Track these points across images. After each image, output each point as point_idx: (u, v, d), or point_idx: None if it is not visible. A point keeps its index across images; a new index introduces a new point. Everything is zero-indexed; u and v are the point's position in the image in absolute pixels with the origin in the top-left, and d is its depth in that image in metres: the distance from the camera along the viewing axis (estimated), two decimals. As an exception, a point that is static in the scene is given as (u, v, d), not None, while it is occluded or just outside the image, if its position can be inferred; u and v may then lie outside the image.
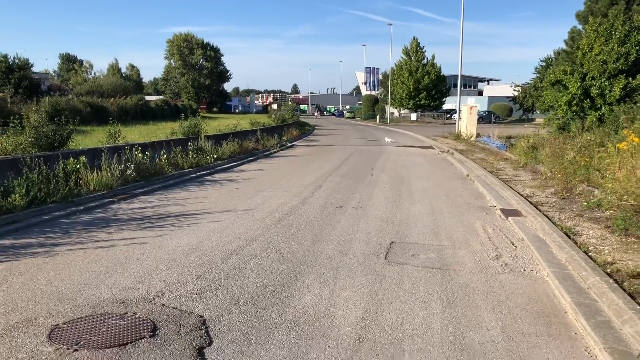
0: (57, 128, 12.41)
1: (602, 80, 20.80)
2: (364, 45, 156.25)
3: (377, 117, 70.27)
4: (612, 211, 8.75)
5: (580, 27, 38.31)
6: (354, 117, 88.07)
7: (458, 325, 4.81)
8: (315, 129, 47.67)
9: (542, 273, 6.40)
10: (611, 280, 5.58)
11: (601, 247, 7.09)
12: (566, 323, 4.93)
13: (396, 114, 78.30)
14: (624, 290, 5.33)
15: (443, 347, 4.38)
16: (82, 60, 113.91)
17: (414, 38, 68.83)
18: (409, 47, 67.86)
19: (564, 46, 39.41)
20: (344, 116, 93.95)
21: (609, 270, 6.04)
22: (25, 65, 47.20)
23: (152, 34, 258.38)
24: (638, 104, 18.66)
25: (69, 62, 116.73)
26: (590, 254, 6.76)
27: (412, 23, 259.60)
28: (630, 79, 20.50)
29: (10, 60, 45.90)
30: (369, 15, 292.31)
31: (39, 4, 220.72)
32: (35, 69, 56.79)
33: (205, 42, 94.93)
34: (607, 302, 5.13)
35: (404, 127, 53.20)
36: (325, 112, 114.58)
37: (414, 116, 70.72)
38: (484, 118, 61.99)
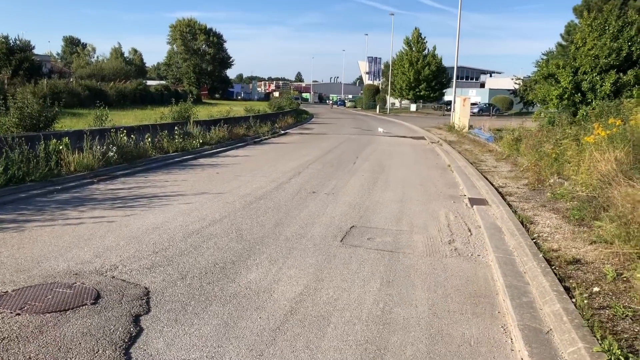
0: (42, 109, 12.66)
1: (594, 75, 20.93)
2: (367, 34, 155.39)
3: (377, 107, 70.37)
4: (572, 202, 8.98)
5: (577, 21, 38.27)
6: (355, 107, 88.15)
7: (389, 302, 5.07)
8: (314, 117, 47.88)
9: (488, 258, 6.66)
10: (544, 265, 5.83)
11: (552, 236, 7.33)
12: (493, 303, 5.19)
13: (397, 104, 78.33)
14: (555, 274, 5.58)
15: (368, 321, 4.64)
16: (86, 44, 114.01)
17: (415, 29, 68.82)
18: (410, 38, 67.76)
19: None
20: (345, 105, 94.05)
21: (550, 257, 6.29)
22: (26, 47, 47.40)
23: (158, 18, 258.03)
24: (628, 100, 18.81)
25: (73, 45, 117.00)
26: (538, 241, 7.01)
27: (418, 13, 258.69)
28: (621, 74, 20.63)
29: (11, 42, 46.09)
30: (374, 4, 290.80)
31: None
32: (38, 51, 56.98)
33: (208, 28, 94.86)
34: (536, 285, 5.39)
35: (402, 117, 53.34)
36: (327, 101, 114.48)
37: (413, 107, 70.76)
38: (483, 110, 62.05)
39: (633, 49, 20.76)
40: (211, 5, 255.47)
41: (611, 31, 21.17)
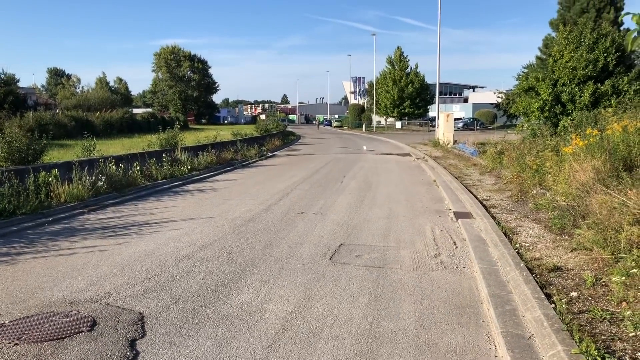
0: (31, 142, 12.79)
1: (572, 86, 21.43)
2: (349, 55, 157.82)
3: (364, 125, 70.99)
4: (553, 212, 9.23)
5: (554, 34, 39.12)
6: (341, 127, 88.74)
7: (377, 316, 5.24)
8: (300, 138, 48.22)
9: (473, 269, 6.86)
10: (526, 274, 6.03)
11: (535, 245, 7.55)
12: (478, 313, 5.37)
13: (382, 122, 79.06)
14: (536, 282, 5.78)
15: (358, 335, 4.80)
16: (70, 75, 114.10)
17: (397, 48, 69.83)
18: (392, 57, 68.71)
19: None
20: (331, 125, 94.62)
21: (532, 265, 6.49)
22: (11, 81, 47.58)
23: (142, 46, 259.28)
24: (606, 109, 19.25)
25: (57, 76, 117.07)
26: (520, 251, 7.22)
27: (400, 32, 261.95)
28: (599, 84, 21.15)
29: (-5, 75, 46.22)
30: (357, 25, 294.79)
31: (26, 19, 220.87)
32: (22, 84, 57.20)
33: (192, 55, 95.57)
34: (519, 293, 5.59)
35: (388, 135, 53.85)
36: (313, 122, 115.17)
37: (399, 124, 71.43)
38: (468, 125, 62.84)
39: (609, 59, 21.31)
40: (194, 32, 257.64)
41: (587, 43, 21.74)
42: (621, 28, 35.68)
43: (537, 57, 39.59)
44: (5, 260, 7.36)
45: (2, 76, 46.61)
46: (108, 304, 5.52)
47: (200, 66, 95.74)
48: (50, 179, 11.57)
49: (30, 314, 5.25)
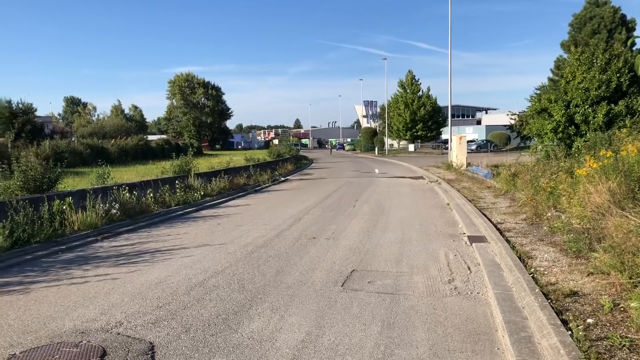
0: (46, 171, 12.94)
1: (586, 107, 21.31)
2: (361, 79, 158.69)
3: (376, 149, 71.02)
4: (569, 235, 9.09)
5: (565, 55, 39.14)
6: (354, 150, 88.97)
7: (390, 345, 5.15)
8: (313, 162, 48.35)
9: (487, 295, 6.74)
10: (542, 299, 5.92)
11: (550, 269, 7.43)
12: (493, 340, 5.26)
13: (395, 145, 79.06)
14: (552, 308, 5.66)
15: (370, 364, 4.72)
16: (86, 103, 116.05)
17: (409, 71, 70.26)
18: (404, 80, 69.03)
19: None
20: (344, 149, 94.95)
21: (548, 290, 6.38)
22: (28, 110, 48.45)
23: (156, 74, 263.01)
24: (621, 130, 19.08)
25: (73, 104, 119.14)
26: (535, 275, 7.10)
27: (411, 55, 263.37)
28: (612, 105, 21.02)
29: (14, 105, 47.13)
30: (368, 50, 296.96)
31: (44, 49, 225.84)
32: (40, 112, 58.27)
33: (206, 82, 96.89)
34: (534, 319, 5.48)
35: (400, 158, 53.80)
36: (326, 146, 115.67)
37: (411, 147, 71.39)
38: (481, 147, 62.64)
39: (622, 80, 21.23)
40: (207, 59, 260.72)
41: (599, 64, 21.70)
42: (633, 48, 35.62)
43: (550, 79, 39.60)
44: (18, 290, 7.39)
45: (20, 106, 47.49)
46: (119, 334, 5.49)
47: (214, 93, 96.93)
48: (64, 207, 11.66)
49: (41, 344, 5.24)
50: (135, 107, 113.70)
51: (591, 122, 20.89)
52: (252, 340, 5.31)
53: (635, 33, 37.55)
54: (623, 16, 43.06)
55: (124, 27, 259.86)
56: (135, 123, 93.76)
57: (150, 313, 6.18)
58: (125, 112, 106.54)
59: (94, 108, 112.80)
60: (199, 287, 7.26)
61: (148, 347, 5.13)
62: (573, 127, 21.65)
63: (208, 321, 5.88)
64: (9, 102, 46.79)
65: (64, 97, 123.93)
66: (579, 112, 21.27)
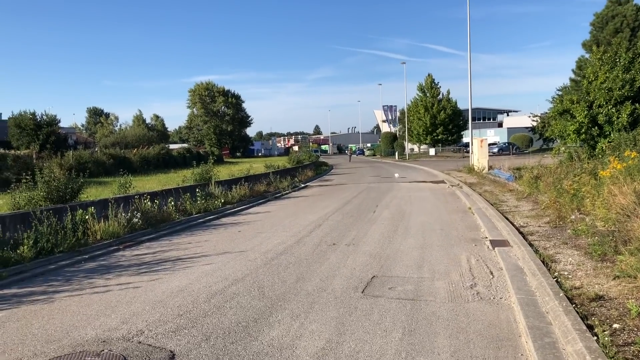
0: (68, 182, 13.14)
1: (609, 107, 20.94)
2: (380, 84, 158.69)
3: (396, 153, 70.77)
4: (593, 238, 8.92)
5: (587, 55, 38.60)
6: (374, 155, 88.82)
7: (411, 351, 5.09)
8: (333, 168, 48.33)
9: (510, 300, 6.64)
10: (566, 304, 5.80)
11: (574, 273, 7.28)
12: (516, 346, 5.17)
13: (416, 149, 78.76)
14: (577, 313, 5.55)
15: (390, 372, 4.66)
16: (109, 113, 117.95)
17: (428, 75, 69.89)
18: (423, 84, 68.75)
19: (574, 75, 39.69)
20: (364, 154, 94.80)
21: (572, 295, 6.25)
22: (52, 122, 49.24)
23: (177, 84, 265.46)
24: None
25: (96, 115, 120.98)
26: (559, 280, 6.97)
27: (430, 59, 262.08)
28: (637, 104, 20.61)
29: (38, 117, 48.01)
30: (386, 54, 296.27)
31: (67, 61, 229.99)
32: (63, 123, 59.16)
33: (226, 90, 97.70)
34: (559, 324, 5.37)
35: (421, 162, 53.50)
36: (346, 152, 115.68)
37: (432, 151, 71.01)
38: (503, 150, 62.04)
39: (646, 78, 20.80)
40: (226, 68, 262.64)
41: (622, 63, 21.31)
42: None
43: (571, 79, 39.07)
44: (42, 299, 7.49)
45: (45, 117, 48.29)
46: (140, 342, 5.52)
47: (234, 101, 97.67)
48: (87, 217, 11.81)
49: (63, 353, 5.29)
50: (157, 117, 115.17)
51: (615, 122, 20.51)
52: (272, 347, 5.30)
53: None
54: (646, 14, 42.32)
55: (144, 38, 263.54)
56: (157, 132, 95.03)
57: (171, 321, 6.21)
58: (147, 121, 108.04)
59: (116, 118, 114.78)
60: (220, 295, 7.28)
61: (168, 355, 5.15)
62: (596, 127, 21.28)
63: (228, 329, 5.88)
64: (33, 114, 47.68)
65: (87, 108, 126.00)
66: (602, 113, 20.90)
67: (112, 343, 5.53)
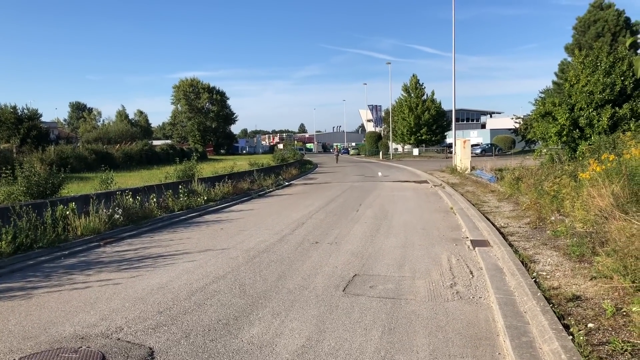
0: (49, 177, 12.98)
1: (590, 110, 21.25)
2: (365, 84, 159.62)
3: (381, 153, 71.01)
4: (572, 239, 9.04)
5: (569, 59, 39.05)
6: (358, 154, 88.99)
7: (390, 350, 5.12)
8: (317, 166, 48.35)
9: (489, 300, 6.71)
10: (544, 304, 5.88)
11: (553, 274, 7.38)
12: (494, 345, 5.23)
13: (400, 149, 79.10)
14: (554, 312, 5.62)
15: (369, 369, 4.69)
16: (91, 108, 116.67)
17: (413, 75, 70.25)
18: (408, 85, 69.06)
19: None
20: (348, 153, 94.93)
21: (550, 295, 6.34)
22: (34, 116, 48.61)
23: (161, 80, 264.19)
24: (625, 133, 19.00)
25: (79, 110, 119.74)
26: (538, 280, 7.06)
27: (415, 59, 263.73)
28: (617, 108, 20.94)
29: (19, 111, 47.34)
30: (372, 54, 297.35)
31: (49, 55, 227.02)
32: (45, 118, 58.45)
33: (211, 87, 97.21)
34: (536, 324, 5.44)
35: (405, 162, 53.73)
36: (330, 150, 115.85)
37: (416, 151, 71.37)
38: (486, 151, 62.60)
39: (626, 83, 21.14)
40: (212, 64, 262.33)
41: (603, 67, 21.62)
42: (638, 51, 35.48)
43: (554, 82, 39.52)
44: (20, 295, 7.40)
45: (26, 111, 47.64)
46: (118, 339, 5.49)
47: (219, 97, 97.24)
48: (67, 213, 11.69)
49: (40, 349, 5.24)
50: (141, 113, 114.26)
51: (595, 125, 20.81)
52: (252, 345, 5.30)
53: (640, 36, 37.42)
54: (627, 19, 42.94)
55: (129, 33, 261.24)
56: (140, 128, 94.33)
57: (150, 318, 6.18)
58: (130, 117, 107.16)
59: (99, 113, 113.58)
60: (200, 292, 7.26)
61: (147, 352, 5.12)
62: (577, 130, 21.58)
63: (208, 326, 5.87)
64: (14, 107, 47.00)
65: (70, 103, 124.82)
66: (583, 116, 21.21)
67: (91, 339, 5.49)
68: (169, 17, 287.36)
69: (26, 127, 45.72)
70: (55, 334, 5.72)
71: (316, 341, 5.38)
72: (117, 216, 12.79)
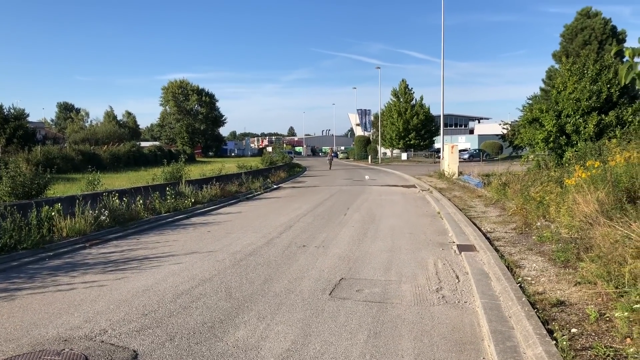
0: (35, 177, 12.86)
1: (577, 117, 21.46)
2: (355, 88, 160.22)
3: (369, 157, 71.14)
4: (557, 244, 9.11)
5: (557, 66, 39.42)
6: (347, 158, 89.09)
7: (375, 354, 5.13)
8: (306, 170, 48.32)
9: (475, 304, 6.74)
10: (528, 309, 5.91)
11: (538, 279, 7.43)
12: (479, 349, 5.25)
13: (388, 153, 79.27)
14: (538, 317, 5.66)
15: (354, 373, 4.69)
16: (79, 109, 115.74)
17: (402, 80, 70.48)
18: (397, 89, 69.35)
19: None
20: (337, 157, 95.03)
21: (535, 300, 6.38)
22: (20, 115, 48.11)
23: (150, 81, 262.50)
24: (611, 140, 19.20)
25: (67, 110, 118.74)
26: (523, 285, 7.10)
27: (405, 65, 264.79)
28: (603, 115, 21.17)
29: (5, 110, 46.84)
30: (362, 58, 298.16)
31: (37, 55, 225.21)
32: (32, 118, 57.99)
33: (200, 88, 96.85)
34: (520, 329, 5.47)
35: (393, 166, 53.89)
36: (320, 154, 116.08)
37: (404, 156, 71.57)
38: (474, 156, 62.95)
39: (612, 90, 21.38)
40: (203, 67, 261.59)
41: (590, 75, 21.86)
42: (624, 59, 35.92)
43: (541, 89, 39.89)
44: (3, 296, 7.31)
45: (12, 111, 47.13)
46: (102, 342, 5.44)
47: (208, 100, 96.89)
48: (52, 214, 11.58)
49: (22, 352, 5.18)
50: (129, 114, 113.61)
51: (582, 132, 21.02)
52: (237, 348, 5.28)
53: (625, 44, 37.92)
54: (614, 28, 43.49)
55: (118, 34, 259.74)
56: (128, 129, 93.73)
57: (135, 321, 6.13)
58: (119, 118, 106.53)
59: (87, 114, 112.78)
60: (186, 295, 7.22)
61: (131, 355, 5.08)
62: (564, 137, 21.78)
63: (193, 329, 5.84)
64: (0, 106, 46.49)
65: (57, 103, 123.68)
66: (570, 122, 21.42)
67: (74, 342, 5.44)
68: (159, 19, 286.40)
69: (12, 127, 45.21)
70: (37, 336, 5.66)
71: (302, 345, 5.37)
72: (104, 217, 12.69)
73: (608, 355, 4.63)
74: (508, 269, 8.02)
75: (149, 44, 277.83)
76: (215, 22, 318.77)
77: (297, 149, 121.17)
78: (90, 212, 12.46)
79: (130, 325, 5.98)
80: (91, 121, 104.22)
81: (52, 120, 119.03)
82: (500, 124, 52.85)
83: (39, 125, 63.66)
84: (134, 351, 5.18)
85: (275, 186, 28.24)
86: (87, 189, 15.59)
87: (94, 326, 5.95)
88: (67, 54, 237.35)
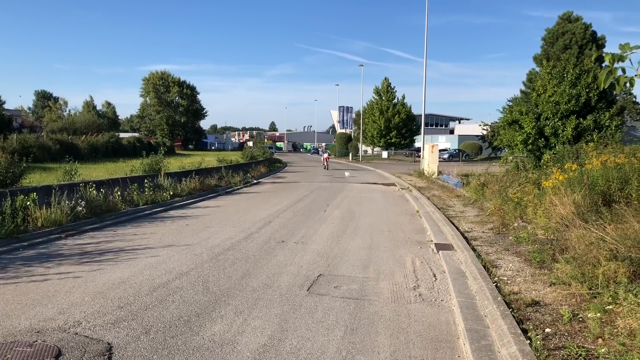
0: (9, 166, 12.63)
1: (555, 120, 21.75)
2: (337, 85, 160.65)
3: (350, 154, 71.28)
4: (533, 245, 9.23)
5: (537, 69, 39.88)
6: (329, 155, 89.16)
7: (352, 350, 5.14)
8: (287, 165, 48.27)
9: (451, 303, 6.79)
10: (503, 308, 5.98)
11: (514, 279, 7.51)
12: (454, 347, 5.30)
13: (369, 151, 79.55)
14: (513, 317, 5.73)
15: (330, 369, 4.69)
16: (57, 98, 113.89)
17: (385, 78, 70.81)
18: (380, 88, 69.54)
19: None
20: (318, 153, 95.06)
21: (510, 299, 6.45)
22: (-4, 103, 47.22)
23: (131, 71, 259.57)
24: (588, 144, 19.48)
25: (45, 99, 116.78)
26: (499, 284, 7.18)
27: (387, 63, 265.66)
28: (581, 119, 21.50)
29: (-20, 97, 45.94)
30: (345, 55, 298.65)
31: (14, 40, 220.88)
32: (8, 106, 57.03)
33: (181, 80, 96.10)
34: (495, 328, 5.53)
35: (374, 164, 54.07)
36: (300, 150, 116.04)
37: (385, 154, 71.88)
38: (453, 156, 63.40)
39: (591, 95, 21.70)
40: (184, 58, 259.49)
41: (569, 79, 22.15)
42: (603, 64, 36.41)
43: (522, 91, 40.34)
44: (-26, 286, 7.17)
45: (-12, 98, 46.30)
46: (76, 334, 5.37)
47: (189, 92, 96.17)
48: (28, 203, 11.39)
49: (-7, 343, 5.08)
50: (109, 104, 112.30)
51: (560, 135, 21.33)
52: (213, 343, 5.24)
53: (605, 50, 38.44)
54: (594, 33, 44.12)
55: (99, 23, 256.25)
56: (108, 120, 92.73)
57: (110, 313, 6.06)
58: (98, 108, 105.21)
59: (65, 103, 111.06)
60: (163, 288, 7.16)
61: (106, 347, 5.02)
62: (543, 139, 22.09)
63: (169, 323, 5.79)
64: (-24, 93, 45.65)
65: (35, 91, 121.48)
66: (548, 125, 21.70)
67: (47, 334, 5.35)
68: (140, 9, 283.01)
69: (-13, 114, 44.45)
70: (9, 327, 5.56)
71: (278, 340, 5.36)
72: (80, 208, 12.52)
73: (580, 355, 4.70)
74: (485, 269, 8.10)
75: (129, 33, 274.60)
76: (198, 14, 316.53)
77: (279, 144, 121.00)
78: (67, 202, 12.28)
79: (105, 317, 5.91)
80: (70, 110, 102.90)
81: (29, 109, 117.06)
82: (480, 125, 53.26)
83: (15, 113, 62.61)
84: (109, 344, 5.12)
85: (255, 181, 28.15)
86: (64, 179, 15.36)
87: (67, 318, 5.86)
88: (45, 40, 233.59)
